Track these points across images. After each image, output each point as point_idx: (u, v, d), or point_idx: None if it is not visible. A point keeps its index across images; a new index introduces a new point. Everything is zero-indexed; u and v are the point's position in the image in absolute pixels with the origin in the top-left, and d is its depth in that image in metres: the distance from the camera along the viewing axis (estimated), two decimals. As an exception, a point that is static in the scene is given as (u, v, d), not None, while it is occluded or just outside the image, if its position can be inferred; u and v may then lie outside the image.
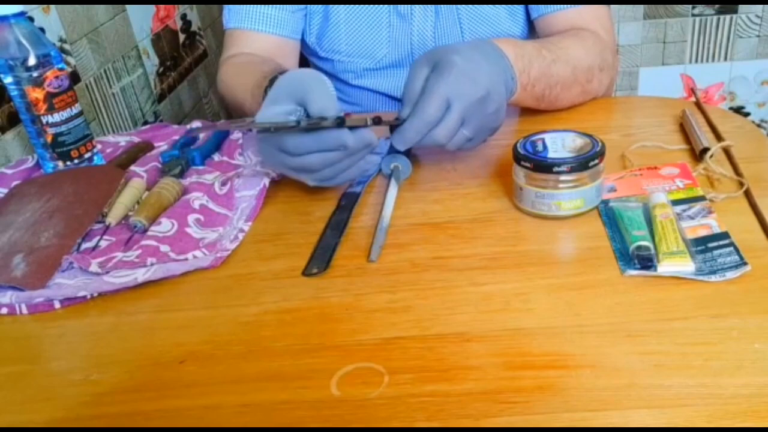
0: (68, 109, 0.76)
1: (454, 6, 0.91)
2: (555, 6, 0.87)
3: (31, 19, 0.90)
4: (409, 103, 0.64)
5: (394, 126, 0.64)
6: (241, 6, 0.90)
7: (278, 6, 0.90)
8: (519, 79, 0.71)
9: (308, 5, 0.93)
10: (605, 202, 0.62)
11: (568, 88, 0.80)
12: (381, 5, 0.91)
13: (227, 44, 0.94)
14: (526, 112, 0.84)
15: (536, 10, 0.89)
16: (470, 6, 0.91)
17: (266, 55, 0.90)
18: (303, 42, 0.97)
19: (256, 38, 0.91)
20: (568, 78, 0.79)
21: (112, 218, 0.67)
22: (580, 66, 0.79)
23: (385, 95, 1.00)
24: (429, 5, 0.91)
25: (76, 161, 0.78)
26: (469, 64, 0.63)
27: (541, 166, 0.59)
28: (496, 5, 0.91)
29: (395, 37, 0.93)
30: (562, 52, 0.78)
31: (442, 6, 0.91)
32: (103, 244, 0.65)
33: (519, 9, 0.92)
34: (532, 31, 0.95)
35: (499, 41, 0.71)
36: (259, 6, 0.90)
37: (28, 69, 0.72)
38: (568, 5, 0.86)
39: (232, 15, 0.92)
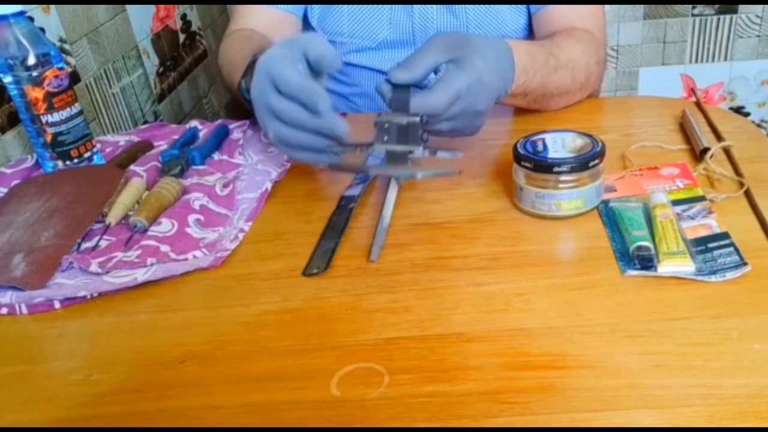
0: (68, 109, 0.76)
1: None
2: (553, 5, 0.89)
3: (31, 19, 0.90)
4: (409, 70, 0.63)
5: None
6: None
7: None
8: (513, 91, 0.73)
9: None
10: (605, 202, 0.62)
11: (562, 95, 0.82)
12: None
13: (231, 19, 0.98)
14: (526, 112, 0.84)
15: (535, 6, 0.92)
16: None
17: (267, 30, 0.92)
18: (306, 24, 0.99)
19: (256, 12, 0.95)
20: (565, 84, 0.81)
21: (112, 218, 0.67)
22: (579, 69, 0.81)
23: (383, 73, 0.99)
24: None
25: (75, 161, 0.78)
26: (487, 73, 0.65)
27: (542, 166, 0.59)
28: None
29: (396, 19, 0.94)
30: (564, 55, 0.79)
31: None
32: (103, 244, 0.65)
33: (522, 6, 0.94)
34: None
35: (516, 46, 0.72)
36: None
37: (28, 68, 0.72)
38: (566, 4, 0.88)
39: None
